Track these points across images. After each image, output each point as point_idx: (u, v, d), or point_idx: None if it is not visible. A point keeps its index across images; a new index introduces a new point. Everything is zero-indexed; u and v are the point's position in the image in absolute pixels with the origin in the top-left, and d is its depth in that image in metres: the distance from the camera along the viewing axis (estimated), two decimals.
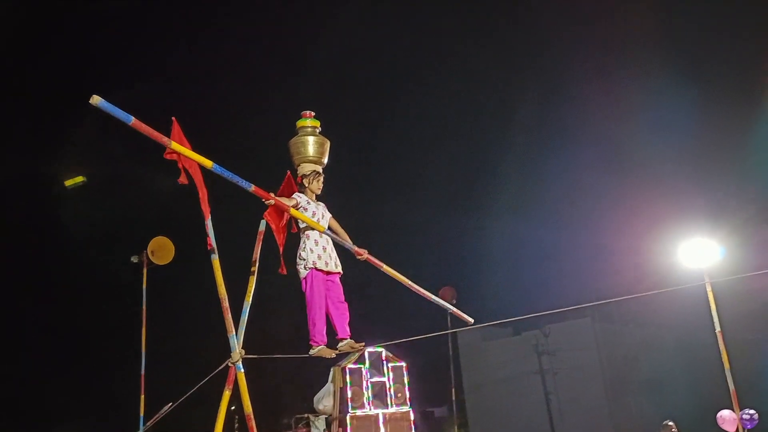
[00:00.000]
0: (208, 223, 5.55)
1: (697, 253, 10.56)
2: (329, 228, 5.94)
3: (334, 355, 5.99)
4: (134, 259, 13.19)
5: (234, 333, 5.54)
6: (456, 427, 24.32)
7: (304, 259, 5.83)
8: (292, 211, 5.67)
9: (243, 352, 5.52)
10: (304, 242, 5.88)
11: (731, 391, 10.27)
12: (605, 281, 30.42)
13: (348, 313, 6.07)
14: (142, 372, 12.28)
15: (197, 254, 6.29)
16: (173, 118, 5.17)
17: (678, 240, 11.09)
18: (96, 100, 3.96)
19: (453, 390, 22.36)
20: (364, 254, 5.85)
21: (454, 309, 6.55)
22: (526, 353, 34.99)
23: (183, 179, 5.26)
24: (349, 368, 9.78)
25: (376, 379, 10.03)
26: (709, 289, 10.07)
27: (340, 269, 6.01)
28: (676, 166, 27.98)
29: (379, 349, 9.87)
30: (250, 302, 5.81)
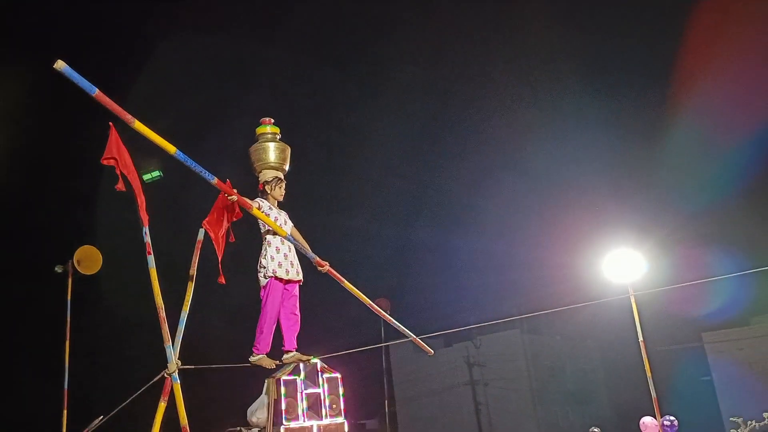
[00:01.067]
0: (146, 230, 5.44)
1: (621, 266, 11.00)
2: (290, 236, 5.84)
3: (273, 366, 5.94)
4: (58, 269, 12.67)
5: (170, 343, 5.44)
6: None
7: (265, 267, 5.73)
8: (255, 212, 5.53)
9: (179, 362, 5.42)
10: (265, 249, 5.77)
11: (653, 398, 10.70)
12: (534, 294, 31.33)
13: (299, 325, 6.00)
14: (65, 387, 11.80)
15: (127, 263, 6.14)
16: (110, 124, 5.05)
17: (602, 253, 11.54)
18: (60, 65, 3.76)
19: (387, 402, 22.43)
20: (325, 266, 5.79)
21: (415, 338, 6.54)
22: (458, 364, 35.47)
23: (120, 186, 5.14)
24: (284, 380, 9.71)
25: (310, 390, 9.98)
26: (633, 300, 10.48)
27: (300, 277, 5.91)
28: (602, 182, 29.15)
29: (315, 361, 9.84)
30: (188, 312, 5.71)
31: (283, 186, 5.99)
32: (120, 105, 4.17)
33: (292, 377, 9.66)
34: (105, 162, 4.95)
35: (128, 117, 4.23)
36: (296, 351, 6.00)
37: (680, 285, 9.13)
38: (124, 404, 5.55)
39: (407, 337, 6.61)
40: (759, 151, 25.08)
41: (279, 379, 9.48)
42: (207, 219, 5.86)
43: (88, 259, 12.82)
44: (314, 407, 9.85)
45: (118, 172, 5.07)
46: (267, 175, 5.93)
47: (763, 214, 27.14)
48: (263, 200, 5.85)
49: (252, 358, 5.82)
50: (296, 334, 5.98)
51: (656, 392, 10.72)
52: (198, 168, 4.75)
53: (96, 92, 3.99)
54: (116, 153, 5.08)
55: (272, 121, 6.01)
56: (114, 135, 5.08)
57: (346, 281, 5.93)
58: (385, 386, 22.02)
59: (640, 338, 10.61)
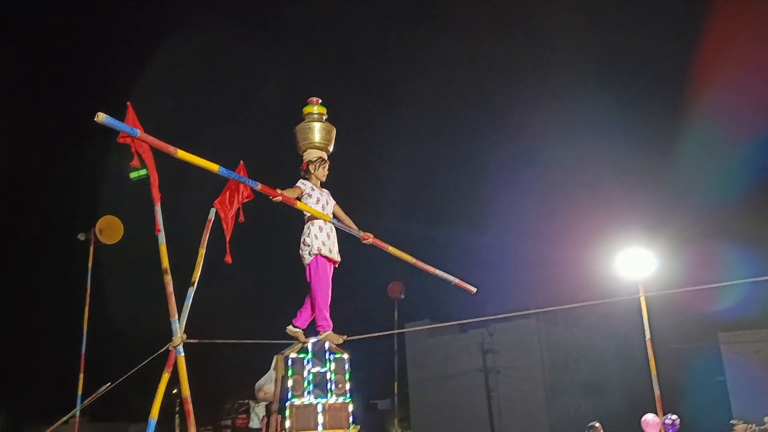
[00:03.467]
0: (158, 208, 5.60)
1: (633, 264, 11.03)
2: (333, 215, 5.92)
3: (341, 341, 6.03)
4: (81, 237, 13.00)
5: (177, 317, 5.62)
6: (396, 421, 24.64)
7: (309, 245, 5.76)
8: (299, 205, 5.59)
9: (185, 336, 5.60)
10: (309, 228, 5.81)
11: (656, 395, 10.78)
12: (550, 287, 31.31)
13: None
14: (83, 351, 12.16)
15: (147, 235, 6.31)
16: (128, 103, 5.20)
17: (616, 250, 11.56)
18: (101, 117, 3.89)
19: (396, 384, 22.65)
20: (370, 238, 5.84)
21: (458, 281, 6.44)
22: (471, 351, 35.57)
23: (135, 163, 5.30)
24: (292, 357, 9.92)
25: (317, 369, 10.18)
26: (642, 301, 10.54)
27: (339, 258, 5.95)
28: (617, 181, 28.98)
29: (324, 339, 10.02)
30: (195, 288, 5.88)
31: (327, 166, 5.99)
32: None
33: (300, 356, 9.89)
34: (121, 140, 5.11)
35: (171, 149, 4.37)
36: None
37: (690, 289, 9.16)
38: (129, 373, 5.76)
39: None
40: None
41: (287, 357, 9.70)
42: (219, 199, 6.01)
43: (110, 228, 13.13)
44: (320, 385, 10.09)
45: (134, 150, 5.23)
46: (311, 155, 5.95)
47: None
48: (306, 181, 5.91)
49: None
50: (313, 318, 6.07)
51: (668, 391, 10.80)
52: (242, 179, 4.93)
53: (138, 134, 4.17)
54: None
55: (319, 101, 6.02)
56: (131, 113, 5.24)
57: (391, 247, 5.98)
58: (396, 368, 22.24)
59: (647, 336, 10.68)
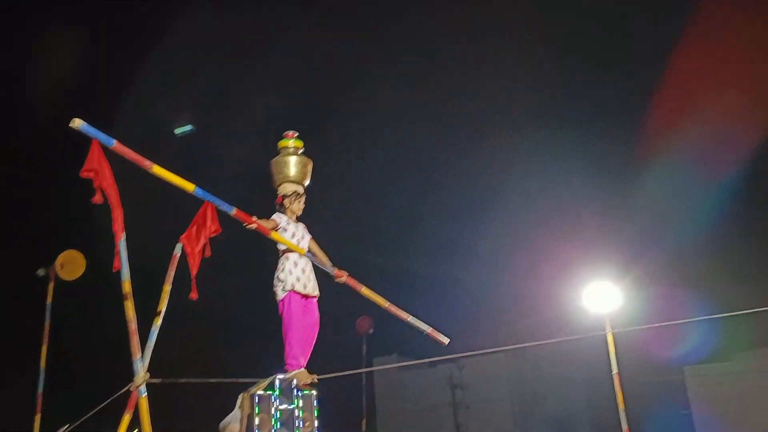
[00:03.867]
0: (120, 244, 5.48)
1: (599, 298, 11.19)
2: (309, 250, 5.83)
3: (311, 380, 5.90)
4: (40, 272, 12.65)
5: (139, 356, 5.46)
6: None
7: (282, 281, 5.69)
8: (273, 235, 5.52)
9: (147, 375, 5.44)
10: (283, 263, 5.74)
11: (624, 429, 10.87)
12: (518, 320, 31.50)
13: (313, 343, 5.94)
14: (39, 391, 11.75)
15: (110, 270, 6.16)
16: (94, 141, 5.10)
17: (583, 284, 11.72)
18: (77, 123, 3.74)
19: (365, 421, 22.31)
20: (343, 276, 5.78)
21: (430, 330, 6.43)
22: (441, 385, 35.40)
23: (97, 199, 5.18)
24: (258, 395, 9.72)
25: (284, 406, 9.99)
26: (610, 337, 10.71)
27: (317, 293, 5.88)
28: (585, 217, 29.50)
29: (291, 377, 9.86)
30: (159, 325, 5.74)
31: (303, 200, 5.97)
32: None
33: (266, 393, 9.70)
34: (84, 175, 5.00)
35: (147, 163, 4.21)
36: (305, 368, 5.94)
37: (656, 325, 9.39)
38: (88, 415, 5.57)
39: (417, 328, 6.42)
40: (735, 196, 25.63)
41: (253, 395, 9.50)
42: (185, 234, 5.89)
43: (71, 264, 12.81)
44: (287, 424, 9.90)
45: (96, 186, 5.12)
46: (286, 188, 5.92)
47: (737, 258, 27.60)
48: (282, 215, 5.83)
49: (287, 375, 5.79)
50: (310, 351, 5.94)
51: (635, 424, 10.89)
52: (217, 201, 4.77)
53: (114, 144, 3.98)
54: (97, 166, 5.13)
55: (296, 134, 5.99)
56: (96, 149, 5.13)
57: (364, 288, 5.90)
58: (364, 404, 21.94)
59: (614, 371, 10.80)
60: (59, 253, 12.80)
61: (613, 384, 11.16)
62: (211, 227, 6.15)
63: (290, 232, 5.76)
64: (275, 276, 5.80)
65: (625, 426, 10.85)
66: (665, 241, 26.46)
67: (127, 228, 5.51)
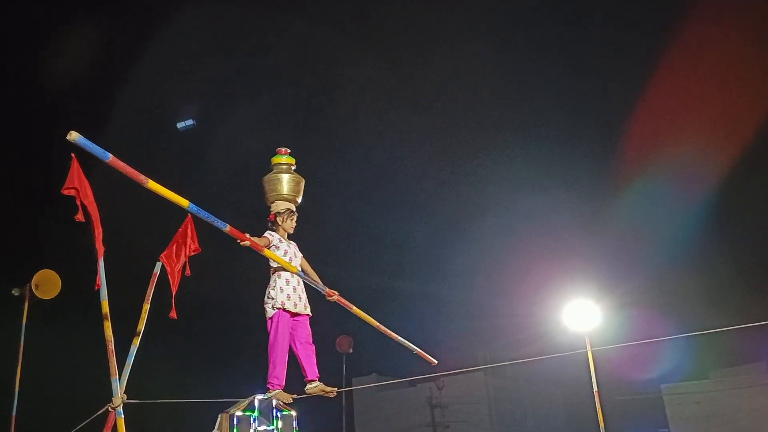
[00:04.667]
0: (101, 263, 5.42)
1: (579, 316, 11.27)
2: (300, 269, 5.79)
3: (291, 400, 5.81)
4: (15, 292, 12.46)
5: (117, 377, 5.38)
6: None
7: (273, 299, 5.64)
8: (266, 252, 5.44)
9: (125, 396, 5.36)
10: (275, 281, 5.69)
11: None
12: (498, 338, 31.55)
13: (315, 355, 5.87)
14: (14, 413, 11.51)
15: (85, 291, 6.09)
16: (72, 155, 5.08)
17: (563, 302, 11.80)
18: (74, 136, 3.65)
19: None
20: (334, 295, 5.74)
21: (419, 351, 6.38)
22: (420, 405, 35.20)
23: (80, 216, 5.14)
24: (237, 416, 9.61)
25: (263, 427, 9.87)
26: (590, 354, 10.76)
27: (309, 311, 5.83)
28: (565, 234, 29.70)
29: (270, 397, 9.76)
30: (138, 345, 5.67)
31: (295, 218, 5.91)
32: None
33: (245, 414, 9.59)
34: (66, 192, 4.97)
35: (142, 178, 4.09)
36: (319, 381, 5.86)
37: (635, 343, 9.46)
38: None
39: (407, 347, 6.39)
40: (712, 217, 26.08)
41: (232, 415, 9.39)
42: (165, 252, 5.87)
43: (47, 283, 12.63)
44: None
45: (78, 203, 5.08)
46: (279, 206, 5.86)
47: (715, 278, 28.01)
48: (273, 233, 5.78)
49: (269, 395, 5.70)
50: (315, 364, 5.86)
51: None
52: (211, 218, 4.62)
53: (110, 158, 3.87)
54: (77, 183, 5.10)
55: (288, 151, 5.94)
56: (75, 166, 5.12)
57: (355, 308, 5.86)
58: (344, 424, 21.78)
59: (595, 389, 10.86)
60: (34, 273, 12.63)
61: (592, 402, 11.20)
62: (191, 246, 6.14)
63: (282, 249, 5.70)
64: (266, 293, 5.74)
65: None
66: (644, 261, 26.77)
67: (106, 246, 5.47)
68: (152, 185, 4.14)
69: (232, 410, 9.41)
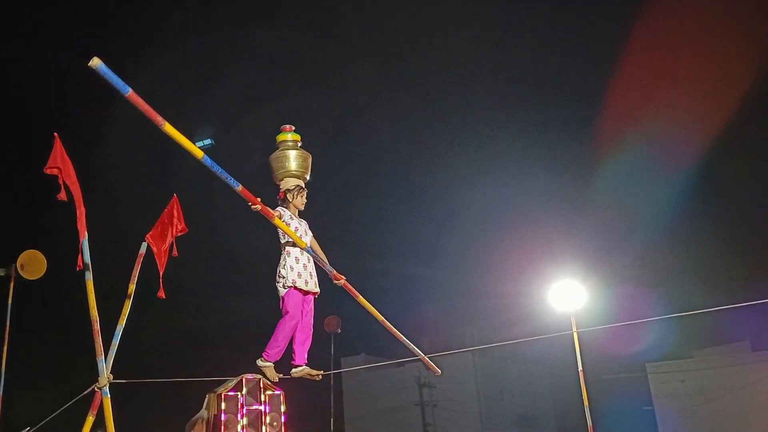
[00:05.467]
0: (84, 242, 5.39)
1: (565, 296, 11.37)
2: (310, 247, 5.68)
3: (276, 379, 5.75)
4: (1, 272, 12.39)
5: (103, 357, 5.37)
6: None
7: (284, 277, 5.55)
8: (276, 221, 5.29)
9: (111, 376, 5.35)
10: (285, 259, 5.60)
11: (589, 426, 11.04)
12: (486, 318, 31.75)
13: (311, 340, 5.81)
14: (0, 393, 11.50)
15: (73, 270, 6.04)
16: (55, 135, 5.02)
17: (549, 282, 11.88)
18: (96, 62, 3.54)
19: (332, 420, 22.32)
20: (342, 280, 5.67)
21: (425, 357, 6.41)
22: (408, 385, 35.44)
23: (62, 196, 5.09)
24: (225, 395, 9.65)
25: (251, 407, 9.92)
26: (575, 336, 10.87)
27: (318, 289, 5.75)
28: (550, 214, 29.81)
29: (258, 377, 9.79)
30: (124, 325, 5.66)
31: (305, 195, 5.81)
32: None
33: (233, 393, 9.62)
34: (48, 171, 4.92)
35: (159, 119, 3.94)
36: (306, 365, 5.80)
37: (619, 324, 9.59)
38: (50, 416, 5.47)
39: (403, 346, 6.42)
40: (696, 196, 26.23)
41: (220, 395, 9.43)
42: (151, 233, 5.84)
43: (33, 264, 12.56)
44: (254, 424, 9.83)
45: (61, 182, 5.04)
46: (288, 183, 5.76)
47: (698, 257, 28.24)
48: (284, 209, 5.71)
49: (259, 362, 5.59)
50: (308, 349, 5.82)
51: (599, 420, 11.06)
52: (224, 174, 4.46)
53: (129, 92, 3.72)
54: (60, 163, 5.05)
55: (293, 128, 5.84)
56: (58, 145, 5.06)
57: (360, 296, 5.83)
58: (332, 404, 21.92)
59: (580, 368, 10.98)
60: (20, 253, 12.56)
61: (577, 381, 11.33)
62: (178, 226, 6.11)
63: (293, 226, 5.60)
64: (277, 271, 5.67)
65: (589, 422, 11.03)
66: (629, 240, 26.92)
67: (91, 226, 5.43)
68: (168, 128, 4.01)
69: (219, 390, 9.46)
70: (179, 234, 6.07)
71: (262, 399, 9.89)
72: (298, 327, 5.70)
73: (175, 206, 6.15)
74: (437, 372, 6.48)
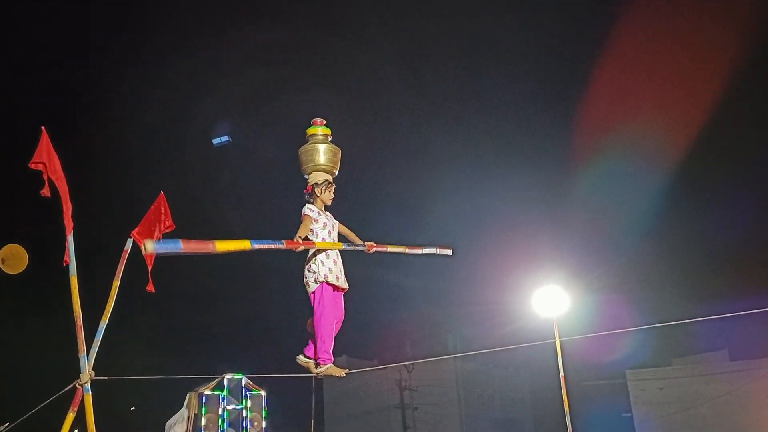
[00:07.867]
0: (70, 238, 5.35)
1: (548, 302, 11.43)
2: (340, 235, 5.63)
3: (344, 374, 5.72)
4: None
5: (85, 353, 5.34)
6: None
7: (315, 272, 5.45)
8: (318, 244, 5.27)
9: (93, 373, 5.31)
10: (315, 254, 5.51)
11: (569, 431, 11.12)
12: (468, 327, 31.86)
13: (333, 338, 5.83)
14: None
15: (56, 265, 6.00)
16: (42, 128, 4.99)
17: (532, 288, 11.96)
18: (150, 246, 3.90)
19: (313, 422, 22.22)
20: (373, 247, 5.63)
21: (438, 248, 6.30)
22: (390, 387, 35.46)
23: (46, 192, 5.05)
24: (206, 395, 9.60)
25: (232, 406, 9.89)
26: (557, 343, 10.94)
27: (347, 286, 5.65)
28: (534, 223, 29.96)
29: (239, 377, 9.75)
30: (107, 322, 5.62)
31: (333, 190, 5.72)
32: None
33: (214, 393, 9.60)
34: (33, 166, 4.88)
35: (210, 247, 4.22)
36: (332, 363, 5.78)
37: (601, 333, 9.72)
38: (31, 412, 5.42)
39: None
40: (679, 205, 26.50)
41: (201, 394, 9.40)
42: (136, 229, 5.81)
43: (14, 258, 12.41)
44: (235, 424, 9.82)
45: (45, 178, 4.99)
46: (317, 177, 5.66)
47: (679, 266, 28.56)
48: (312, 206, 5.62)
49: (320, 370, 5.54)
50: (332, 347, 5.78)
51: (578, 426, 11.12)
52: (271, 243, 4.68)
53: (182, 247, 4.07)
54: (46, 158, 5.01)
55: (324, 122, 5.83)
56: (45, 140, 5.02)
57: (389, 246, 5.74)
58: (313, 406, 21.85)
59: (561, 373, 11.05)
60: (1, 247, 12.41)
61: (558, 387, 11.39)
62: (165, 222, 6.09)
63: (321, 222, 5.52)
64: (305, 267, 5.63)
65: (569, 428, 11.09)
66: (612, 247, 27.13)
67: (76, 221, 5.40)
68: (220, 246, 4.29)
69: (201, 389, 9.43)
70: (167, 230, 6.05)
71: (243, 399, 9.89)
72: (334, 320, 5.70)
73: (162, 203, 6.13)
74: (449, 252, 6.37)
